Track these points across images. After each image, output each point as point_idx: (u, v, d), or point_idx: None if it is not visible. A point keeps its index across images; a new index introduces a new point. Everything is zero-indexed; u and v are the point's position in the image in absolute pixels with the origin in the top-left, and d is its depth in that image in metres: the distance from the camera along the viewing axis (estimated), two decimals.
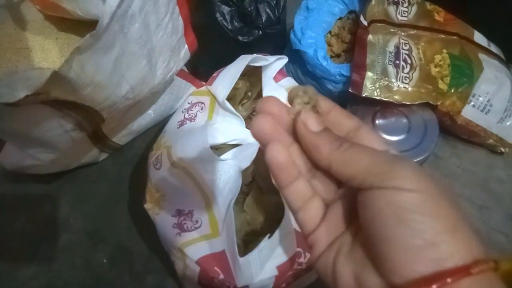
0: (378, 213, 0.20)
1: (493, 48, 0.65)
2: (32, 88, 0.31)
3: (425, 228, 0.19)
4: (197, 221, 0.47)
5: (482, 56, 0.62)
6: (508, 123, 0.60)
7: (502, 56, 0.65)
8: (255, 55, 0.54)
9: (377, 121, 0.59)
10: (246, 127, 0.52)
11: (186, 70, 0.69)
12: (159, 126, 0.70)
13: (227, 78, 0.52)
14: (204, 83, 0.72)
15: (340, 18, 0.70)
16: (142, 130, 0.68)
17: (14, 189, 0.64)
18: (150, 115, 0.66)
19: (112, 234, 0.60)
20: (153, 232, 0.51)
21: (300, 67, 0.67)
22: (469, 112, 0.59)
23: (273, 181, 0.25)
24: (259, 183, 0.53)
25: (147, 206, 0.50)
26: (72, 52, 0.34)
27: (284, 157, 0.23)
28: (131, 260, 0.58)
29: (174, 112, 0.59)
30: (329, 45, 0.67)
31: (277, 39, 0.68)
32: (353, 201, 0.23)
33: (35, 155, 0.46)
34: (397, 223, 0.19)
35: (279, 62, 0.54)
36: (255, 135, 0.24)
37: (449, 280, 0.18)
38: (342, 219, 0.24)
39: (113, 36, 0.38)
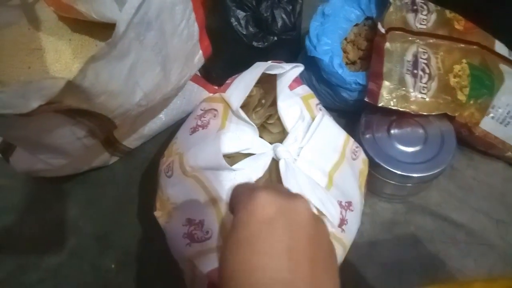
0: None
1: None
2: (45, 98, 0.30)
3: None
4: (207, 232, 0.46)
5: (503, 67, 0.60)
6: None
7: None
8: (270, 62, 0.53)
9: (392, 131, 0.58)
10: (260, 136, 0.51)
11: (199, 74, 0.69)
12: (170, 130, 0.69)
13: (241, 86, 0.51)
14: (216, 87, 0.71)
15: (356, 25, 0.68)
16: (153, 134, 0.67)
17: (23, 191, 0.64)
18: (161, 119, 0.66)
19: (120, 239, 0.59)
20: (162, 238, 0.50)
21: (314, 74, 0.66)
22: (487, 124, 0.58)
23: None
24: None
25: (157, 213, 0.50)
26: (87, 61, 0.33)
27: None
28: (139, 266, 0.57)
29: (186, 117, 0.58)
30: (345, 52, 0.66)
31: (291, 45, 0.67)
32: None
33: (46, 161, 0.46)
34: None
35: (294, 70, 0.52)
36: None
37: None
38: None
39: (128, 44, 0.37)
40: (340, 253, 0.45)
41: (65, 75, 0.66)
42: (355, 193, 0.48)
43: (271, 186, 0.29)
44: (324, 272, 0.24)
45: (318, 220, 0.27)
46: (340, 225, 0.46)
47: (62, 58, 0.69)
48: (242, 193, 0.28)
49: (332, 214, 0.44)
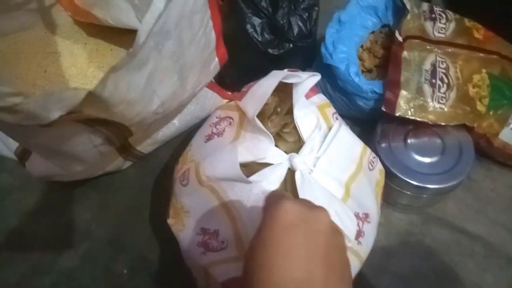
0: None
1: None
2: (66, 108, 0.30)
3: None
4: (223, 242, 0.46)
5: None
6: None
7: None
8: (286, 71, 0.53)
9: (409, 141, 0.57)
10: (275, 145, 0.50)
11: (213, 80, 0.69)
12: (183, 136, 0.69)
13: (258, 95, 0.51)
14: (230, 93, 0.71)
15: (372, 32, 0.68)
16: (166, 140, 0.67)
17: (37, 195, 0.64)
18: (175, 125, 0.66)
19: (133, 244, 0.59)
20: (174, 244, 0.50)
21: (329, 81, 0.65)
22: (507, 135, 0.57)
23: None
24: None
25: (170, 221, 0.49)
26: (107, 71, 0.33)
27: None
28: (152, 272, 0.57)
29: (199, 122, 0.58)
30: (361, 59, 0.65)
31: (307, 52, 0.67)
32: None
33: (62, 167, 0.46)
34: None
35: (311, 79, 0.52)
36: None
37: None
38: None
39: (147, 53, 0.37)
40: (356, 265, 0.45)
41: (80, 79, 0.67)
42: (372, 204, 0.48)
43: (297, 198, 0.34)
44: (339, 280, 0.27)
45: (337, 231, 0.30)
46: (356, 237, 0.45)
47: (77, 62, 0.69)
48: (270, 200, 0.31)
49: (348, 227, 0.43)
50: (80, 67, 0.69)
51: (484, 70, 0.58)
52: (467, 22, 0.63)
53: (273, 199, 0.31)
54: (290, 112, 0.55)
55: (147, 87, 0.39)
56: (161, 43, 0.38)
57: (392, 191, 0.57)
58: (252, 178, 0.46)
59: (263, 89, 0.52)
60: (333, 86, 0.65)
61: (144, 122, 0.45)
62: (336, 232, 0.30)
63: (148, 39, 0.35)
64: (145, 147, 0.64)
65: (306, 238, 0.28)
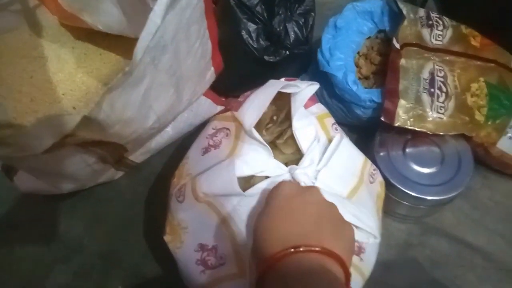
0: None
1: None
2: (60, 135, 0.28)
3: None
4: (221, 257, 0.44)
5: None
6: None
7: None
8: (283, 80, 0.52)
9: (407, 150, 0.57)
10: (274, 157, 0.49)
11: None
12: (176, 143, 0.67)
13: (255, 105, 0.50)
14: (224, 99, 0.69)
15: (368, 38, 0.67)
16: (160, 148, 0.65)
17: (26, 208, 0.62)
18: (168, 133, 0.64)
19: (127, 258, 0.58)
20: (170, 258, 0.49)
21: (326, 89, 0.64)
22: (505, 144, 0.57)
23: None
24: None
25: (167, 238, 0.48)
26: (103, 93, 0.31)
27: None
28: None
29: (193, 130, 0.56)
30: (358, 66, 0.64)
31: (303, 58, 0.65)
32: None
33: (53, 184, 0.44)
34: None
35: (310, 88, 0.51)
36: None
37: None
38: None
39: (144, 69, 0.35)
40: (359, 283, 0.44)
41: (68, 85, 0.64)
42: (373, 219, 0.47)
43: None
44: (332, 238, 0.33)
45: (330, 203, 0.37)
46: (358, 254, 0.44)
47: (65, 67, 0.67)
48: (273, 186, 0.40)
49: None
50: (68, 72, 0.67)
51: (482, 79, 0.57)
52: (464, 29, 0.62)
53: (274, 186, 0.39)
54: (286, 119, 0.54)
55: (143, 103, 0.38)
56: (157, 58, 0.36)
57: (390, 201, 0.56)
58: (250, 191, 0.45)
59: (260, 99, 0.50)
60: (330, 93, 0.64)
61: (140, 138, 0.43)
62: (329, 205, 0.37)
63: (145, 55, 0.34)
64: (137, 156, 0.62)
65: (302, 205, 0.35)
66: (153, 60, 0.36)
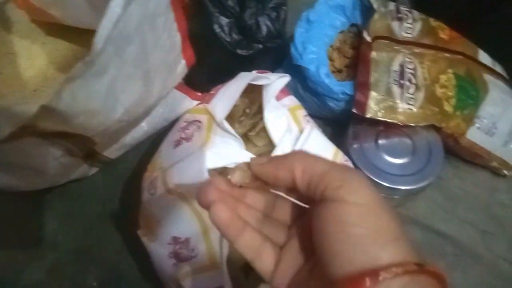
0: (325, 226, 0.21)
1: (498, 68, 0.64)
2: (17, 124, 0.28)
3: (367, 241, 0.20)
4: (193, 250, 0.44)
5: (487, 77, 0.60)
6: None
7: (507, 77, 0.64)
8: (255, 73, 0.52)
9: (380, 142, 0.58)
10: (247, 150, 0.49)
11: (181, 81, 0.67)
12: (152, 138, 0.67)
13: (226, 97, 0.50)
14: (199, 94, 0.69)
15: (341, 32, 0.67)
16: (134, 143, 0.65)
17: None
18: (143, 128, 0.63)
19: (102, 255, 0.57)
20: (145, 253, 0.48)
21: (300, 82, 0.64)
22: (473, 134, 0.58)
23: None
24: None
25: (141, 232, 0.48)
26: (62, 82, 0.31)
27: (227, 214, 0.24)
28: (123, 284, 0.55)
29: (169, 125, 0.56)
30: (331, 59, 0.65)
31: (276, 52, 0.66)
32: (304, 237, 0.25)
33: (20, 179, 0.43)
34: (340, 238, 0.21)
35: (280, 80, 0.51)
36: (216, 225, 0.25)
37: (381, 276, 0.19)
38: (297, 256, 0.25)
39: (107, 60, 0.35)
40: None
41: (39, 81, 0.63)
42: None
43: None
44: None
45: None
46: None
47: (36, 63, 0.66)
48: None
49: None
50: (39, 68, 0.66)
51: (450, 71, 0.58)
52: (433, 22, 0.63)
53: None
54: (258, 112, 0.54)
55: (109, 95, 0.37)
56: (121, 49, 0.36)
57: None
58: None
59: (231, 92, 0.50)
60: (303, 87, 0.64)
61: (108, 130, 0.42)
62: None
63: (107, 45, 0.33)
64: (112, 152, 0.62)
65: None
66: (117, 51, 0.36)
